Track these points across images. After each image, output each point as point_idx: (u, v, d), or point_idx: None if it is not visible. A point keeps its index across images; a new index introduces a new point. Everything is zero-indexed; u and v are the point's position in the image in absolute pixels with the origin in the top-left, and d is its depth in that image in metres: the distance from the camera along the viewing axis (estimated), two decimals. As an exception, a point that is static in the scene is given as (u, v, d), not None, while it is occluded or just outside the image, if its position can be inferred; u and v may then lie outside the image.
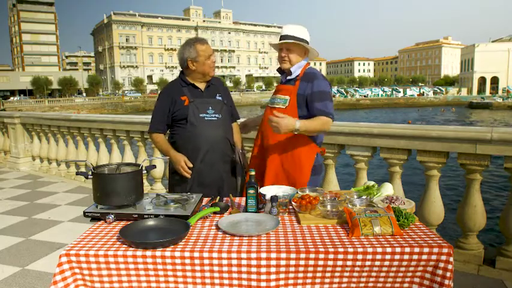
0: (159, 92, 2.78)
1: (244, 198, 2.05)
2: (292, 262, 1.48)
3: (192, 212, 1.83)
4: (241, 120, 3.04)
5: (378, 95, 70.85)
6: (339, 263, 1.48)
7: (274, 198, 1.85)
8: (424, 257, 1.48)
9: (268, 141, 2.50)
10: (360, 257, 1.47)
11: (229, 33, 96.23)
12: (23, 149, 7.05)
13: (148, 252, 1.50)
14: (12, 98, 57.61)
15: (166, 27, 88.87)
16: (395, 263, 1.48)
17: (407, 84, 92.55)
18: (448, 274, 1.47)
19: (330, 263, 1.48)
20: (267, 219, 1.78)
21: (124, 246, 1.56)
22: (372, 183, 2.16)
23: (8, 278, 2.96)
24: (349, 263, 1.48)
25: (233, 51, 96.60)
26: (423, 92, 72.32)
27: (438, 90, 74.16)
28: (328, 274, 1.50)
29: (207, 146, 2.48)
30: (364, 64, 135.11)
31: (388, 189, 2.08)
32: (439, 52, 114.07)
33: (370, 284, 1.53)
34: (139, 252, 1.51)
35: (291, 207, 1.98)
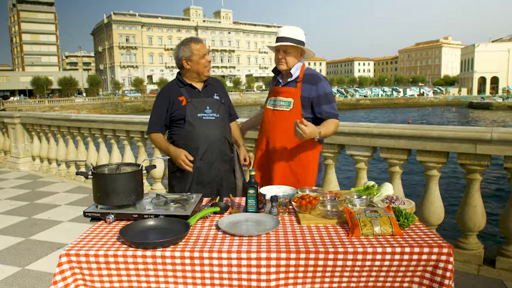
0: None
1: (244, 198, 2.06)
2: (292, 262, 1.48)
3: (192, 212, 1.83)
4: (242, 120, 3.04)
5: (378, 95, 70.89)
6: (339, 263, 1.48)
7: (274, 198, 1.85)
8: (424, 257, 1.48)
9: (275, 145, 2.51)
10: (360, 257, 1.47)
11: (229, 33, 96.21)
12: (23, 149, 7.05)
13: (148, 252, 1.50)
14: (12, 98, 57.61)
15: (166, 27, 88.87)
16: (395, 263, 1.48)
17: (407, 84, 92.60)
18: (448, 274, 1.47)
19: (330, 263, 1.48)
20: (267, 219, 1.78)
21: (124, 246, 1.56)
22: (372, 183, 2.16)
23: (8, 278, 2.96)
24: (349, 263, 1.48)
25: (233, 51, 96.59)
26: (423, 92, 72.34)
27: (438, 90, 74.19)
28: (328, 274, 1.50)
29: (205, 145, 2.48)
30: (364, 64, 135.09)
31: (388, 189, 2.08)
32: (439, 52, 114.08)
33: (370, 284, 1.53)
34: (139, 252, 1.51)
35: (291, 207, 1.98)
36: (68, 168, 6.44)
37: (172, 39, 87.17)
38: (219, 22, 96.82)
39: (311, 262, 1.48)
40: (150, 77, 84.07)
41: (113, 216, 1.82)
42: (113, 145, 5.47)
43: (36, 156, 6.93)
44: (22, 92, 64.35)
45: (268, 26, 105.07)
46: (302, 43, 2.46)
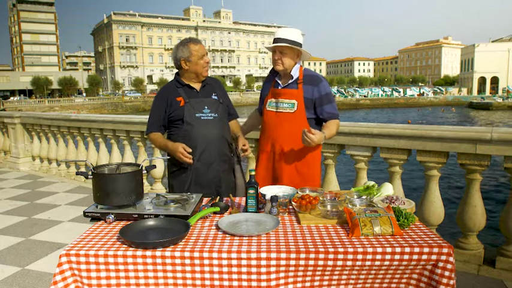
0: (159, 92, 2.77)
1: (244, 198, 2.06)
2: (292, 262, 1.48)
3: (192, 212, 1.83)
4: (242, 120, 3.04)
5: (378, 95, 70.90)
6: (339, 263, 1.48)
7: (274, 198, 1.85)
8: (424, 257, 1.48)
9: (281, 147, 2.53)
10: (360, 257, 1.47)
11: (229, 33, 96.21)
12: (23, 149, 7.05)
13: (148, 252, 1.50)
14: (12, 98, 57.60)
15: (166, 27, 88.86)
16: (395, 263, 1.48)
17: (407, 84, 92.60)
18: (447, 273, 1.47)
19: (330, 263, 1.48)
20: (267, 219, 1.78)
21: (124, 246, 1.56)
22: (372, 183, 2.16)
23: (8, 278, 2.96)
24: (349, 263, 1.48)
25: (233, 51, 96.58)
26: (423, 92, 72.34)
27: (438, 90, 74.19)
28: (327, 274, 1.50)
29: (203, 145, 2.47)
30: (364, 64, 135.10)
31: (388, 189, 2.08)
32: (439, 52, 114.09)
33: (369, 281, 1.53)
34: (139, 252, 1.51)
35: (291, 207, 1.98)
36: (68, 168, 6.44)
37: (172, 39, 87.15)
38: (219, 22, 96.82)
39: (311, 262, 1.48)
40: (150, 77, 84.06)
41: (113, 216, 1.82)
42: (113, 145, 5.47)
43: (36, 156, 6.93)
44: (22, 92, 64.33)
45: (268, 26, 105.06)
46: (299, 44, 2.47)
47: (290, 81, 2.51)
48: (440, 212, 3.12)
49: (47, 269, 3.09)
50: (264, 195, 2.00)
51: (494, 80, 75.66)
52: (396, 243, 1.52)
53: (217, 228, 1.73)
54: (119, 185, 1.85)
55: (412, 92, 72.26)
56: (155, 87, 76.08)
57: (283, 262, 1.47)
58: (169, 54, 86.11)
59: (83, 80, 69.55)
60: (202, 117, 2.50)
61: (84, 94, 66.73)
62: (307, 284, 1.53)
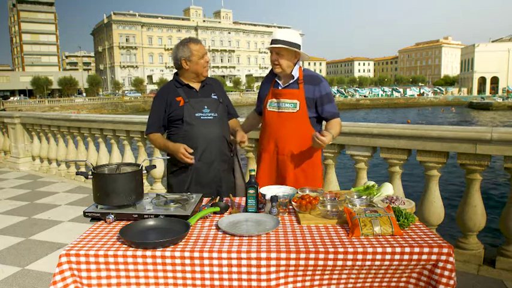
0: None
1: (244, 198, 2.06)
2: (292, 262, 1.48)
3: (192, 212, 1.83)
4: (241, 119, 3.04)
5: (378, 95, 70.89)
6: (339, 263, 1.48)
7: (274, 198, 1.85)
8: (424, 257, 1.48)
9: (284, 146, 2.53)
10: (360, 257, 1.47)
11: (229, 33, 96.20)
12: (23, 149, 7.05)
13: (148, 252, 1.50)
14: (12, 98, 57.60)
15: (166, 27, 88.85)
16: (395, 263, 1.48)
17: (407, 84, 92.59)
18: (447, 273, 1.47)
19: (330, 263, 1.48)
20: (267, 219, 1.78)
21: (124, 246, 1.56)
22: (372, 183, 2.16)
23: (8, 278, 2.96)
24: (349, 263, 1.48)
25: (233, 51, 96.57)
26: (423, 92, 72.34)
27: (438, 90, 74.19)
28: (327, 274, 1.50)
29: (204, 145, 2.47)
30: (364, 64, 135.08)
31: (388, 189, 2.08)
32: (439, 52, 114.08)
33: (369, 280, 1.53)
34: (139, 252, 1.51)
35: (291, 207, 1.99)
36: (68, 168, 6.44)
37: (172, 39, 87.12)
38: (219, 22, 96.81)
39: (311, 262, 1.48)
40: (150, 77, 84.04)
41: (113, 216, 1.82)
42: (113, 145, 5.47)
43: (36, 156, 6.93)
44: (22, 92, 64.33)
45: (268, 26, 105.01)
46: (295, 45, 2.47)
47: (291, 82, 2.52)
48: (440, 212, 3.12)
49: (47, 269, 3.09)
50: (264, 195, 2.00)
51: (494, 80, 75.66)
52: (396, 243, 1.52)
53: (217, 228, 1.73)
54: (119, 185, 1.85)
55: (412, 92, 72.24)
56: (155, 87, 76.05)
57: (283, 262, 1.47)
58: (169, 54, 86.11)
59: (83, 80, 69.56)
60: (202, 117, 2.50)
61: (84, 94, 66.73)
62: (307, 284, 1.53)
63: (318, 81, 2.53)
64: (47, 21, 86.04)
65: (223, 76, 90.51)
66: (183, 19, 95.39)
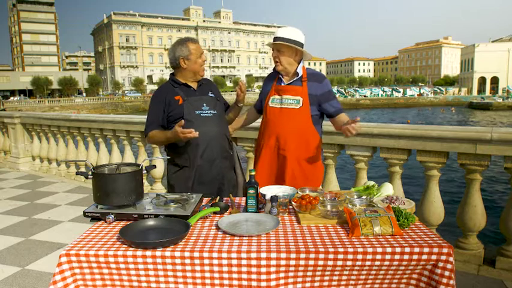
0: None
1: (244, 198, 2.06)
2: (292, 262, 1.48)
3: (192, 212, 1.83)
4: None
5: (378, 95, 70.88)
6: (339, 263, 1.48)
7: (274, 198, 1.85)
8: (424, 257, 1.48)
9: (286, 142, 2.54)
10: (360, 257, 1.47)
11: (229, 33, 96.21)
12: (23, 149, 7.05)
13: (148, 252, 1.50)
14: (12, 98, 57.60)
15: (166, 27, 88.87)
16: (395, 263, 1.48)
17: (407, 84, 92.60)
18: (447, 273, 1.47)
19: (330, 263, 1.48)
20: (267, 219, 1.78)
21: (124, 246, 1.56)
22: (372, 183, 2.16)
23: (8, 278, 2.96)
24: (349, 263, 1.48)
25: (233, 51, 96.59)
26: (423, 92, 72.34)
27: (438, 90, 74.18)
28: (327, 274, 1.50)
29: (205, 142, 2.47)
30: (364, 64, 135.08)
31: (388, 189, 2.08)
32: (439, 52, 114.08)
33: (369, 282, 1.53)
34: (139, 252, 1.51)
35: (291, 207, 1.99)
36: (68, 168, 6.44)
37: (172, 39, 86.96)
38: (219, 22, 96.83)
39: (311, 262, 1.48)
40: (150, 77, 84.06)
41: (113, 216, 1.82)
42: (113, 145, 5.47)
43: (36, 156, 6.93)
44: (22, 92, 64.34)
45: (268, 26, 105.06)
46: (297, 43, 2.48)
47: (295, 79, 2.54)
48: (440, 212, 3.12)
49: (47, 269, 3.09)
50: (264, 195, 2.00)
51: (494, 80, 75.65)
52: (396, 243, 1.52)
53: (217, 228, 1.73)
54: (119, 185, 1.85)
55: (412, 92, 72.26)
56: (155, 87, 75.92)
57: (283, 262, 1.47)
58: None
59: (83, 80, 69.56)
60: (201, 114, 2.51)
61: (84, 94, 66.74)
62: (308, 285, 1.52)
63: (322, 79, 2.59)
64: (47, 21, 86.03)
65: (223, 76, 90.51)
66: (183, 19, 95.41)
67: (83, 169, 5.83)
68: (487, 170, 2.99)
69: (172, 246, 1.53)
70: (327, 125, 3.05)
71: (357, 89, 78.35)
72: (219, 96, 2.68)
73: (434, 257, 1.48)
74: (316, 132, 2.58)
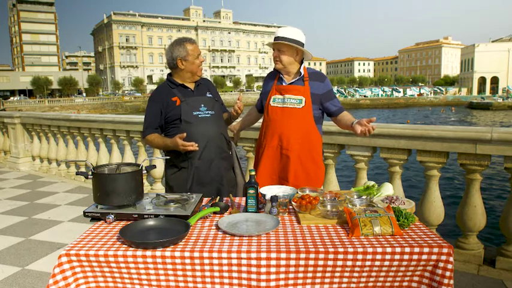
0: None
1: (244, 198, 2.05)
2: (292, 262, 1.48)
3: (192, 212, 1.83)
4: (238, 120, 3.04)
5: (378, 95, 70.87)
6: (339, 263, 1.48)
7: (274, 198, 1.85)
8: (424, 257, 1.48)
9: (288, 141, 2.54)
10: (360, 257, 1.47)
11: (229, 33, 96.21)
12: (23, 149, 7.05)
13: (149, 252, 1.50)
14: (12, 98, 57.60)
15: (166, 27, 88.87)
16: (395, 263, 1.48)
17: (407, 84, 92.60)
18: (448, 274, 1.47)
19: (330, 263, 1.48)
20: (267, 219, 1.78)
21: (124, 246, 1.56)
22: (372, 183, 2.16)
23: (8, 278, 2.96)
24: (349, 263, 1.48)
25: (233, 51, 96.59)
26: (423, 93, 72.34)
27: (438, 90, 74.18)
28: (328, 274, 1.50)
29: (203, 143, 2.47)
30: (364, 64, 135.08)
31: (388, 189, 2.08)
32: (439, 52, 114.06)
33: (370, 284, 1.53)
34: (139, 252, 1.51)
35: (291, 207, 1.98)
36: (68, 168, 6.44)
37: (172, 39, 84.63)
38: (219, 22, 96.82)
39: (311, 262, 1.48)
40: (150, 77, 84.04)
41: (113, 216, 1.82)
42: (113, 145, 5.47)
43: (36, 156, 6.93)
44: (22, 92, 64.36)
45: (268, 26, 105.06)
46: (297, 42, 2.48)
47: (297, 78, 2.55)
48: (440, 212, 3.12)
49: (47, 269, 3.09)
50: (264, 195, 2.00)
51: (494, 80, 75.64)
52: (396, 243, 1.52)
53: (217, 228, 1.73)
54: (119, 185, 1.85)
55: (412, 92, 72.25)
56: (155, 87, 75.94)
57: (283, 262, 1.47)
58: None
59: (83, 80, 69.55)
60: (199, 115, 2.50)
61: (84, 94, 66.72)
62: (308, 287, 1.52)
63: (323, 78, 2.60)
64: (47, 21, 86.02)
65: (223, 76, 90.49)
66: (183, 19, 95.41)
67: (83, 169, 5.83)
68: (487, 170, 2.99)
69: (172, 246, 1.53)
70: (327, 125, 3.05)
71: (357, 89, 78.35)
72: (217, 97, 2.68)
73: (434, 257, 1.48)
74: (318, 132, 2.59)
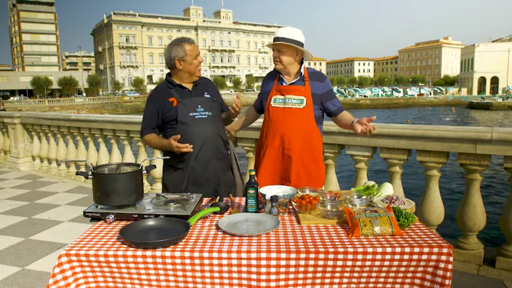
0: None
1: (244, 198, 2.06)
2: (292, 262, 1.47)
3: (192, 212, 1.83)
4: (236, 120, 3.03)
5: (378, 95, 70.87)
6: (339, 263, 1.48)
7: (274, 198, 1.85)
8: (424, 257, 1.48)
9: (290, 141, 2.54)
10: (360, 257, 1.47)
11: (229, 33, 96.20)
12: (23, 149, 7.05)
13: (148, 252, 1.50)
14: (12, 98, 57.61)
15: (166, 27, 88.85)
16: (395, 263, 1.48)
17: (407, 84, 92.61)
18: (449, 274, 1.47)
19: (330, 263, 1.48)
20: (267, 219, 1.78)
21: (124, 246, 1.56)
22: (372, 183, 2.16)
23: (8, 278, 2.96)
24: (349, 263, 1.48)
25: (233, 51, 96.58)
26: (423, 93, 72.34)
27: (438, 90, 74.18)
28: (328, 274, 1.50)
29: (199, 144, 2.47)
30: (364, 64, 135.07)
31: (388, 189, 2.08)
32: (439, 52, 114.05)
33: (371, 285, 1.53)
34: (139, 252, 1.51)
35: (291, 207, 1.98)
36: (68, 168, 6.44)
37: (172, 39, 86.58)
38: (219, 22, 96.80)
39: (311, 262, 1.48)
40: (150, 77, 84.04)
41: (113, 216, 1.82)
42: (113, 145, 5.47)
43: (36, 156, 6.93)
44: (22, 92, 64.35)
45: (268, 26, 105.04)
46: (297, 42, 2.48)
47: (297, 78, 2.54)
48: (440, 212, 3.12)
49: (47, 269, 3.09)
50: (264, 195, 2.00)
51: (494, 80, 75.64)
52: (396, 243, 1.52)
53: (217, 228, 1.73)
54: (119, 185, 1.85)
55: (412, 92, 72.25)
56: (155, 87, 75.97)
57: (283, 262, 1.47)
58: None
59: (83, 80, 69.55)
60: (196, 116, 2.50)
61: (84, 94, 66.72)
62: (308, 287, 1.52)
63: (323, 78, 2.61)
64: (47, 21, 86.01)
65: (223, 76, 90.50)
66: (183, 19, 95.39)
67: (83, 169, 5.83)
68: (487, 170, 2.99)
69: (172, 246, 1.53)
70: (327, 125, 3.05)
71: (357, 89, 78.36)
72: (216, 97, 2.66)
73: (434, 257, 1.48)
74: (319, 132, 2.59)
